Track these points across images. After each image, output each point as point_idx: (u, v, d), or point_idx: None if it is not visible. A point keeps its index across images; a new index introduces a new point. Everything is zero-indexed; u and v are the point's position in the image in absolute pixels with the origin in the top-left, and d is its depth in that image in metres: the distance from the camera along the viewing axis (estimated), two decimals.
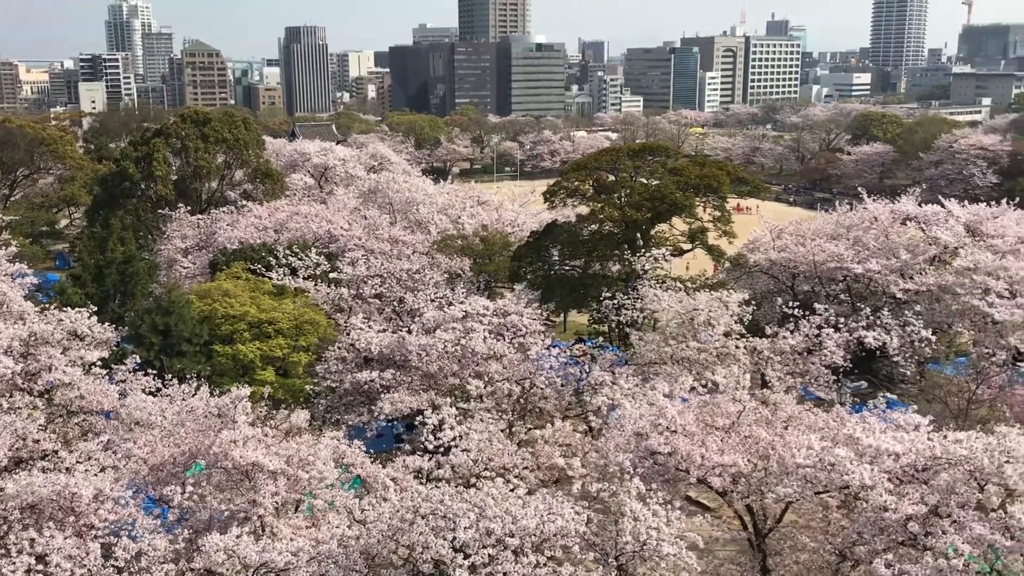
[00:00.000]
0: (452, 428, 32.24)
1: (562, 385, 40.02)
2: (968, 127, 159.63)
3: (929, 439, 22.74)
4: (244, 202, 71.33)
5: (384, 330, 45.15)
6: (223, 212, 68.47)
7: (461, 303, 43.77)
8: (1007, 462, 19.35)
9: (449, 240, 62.84)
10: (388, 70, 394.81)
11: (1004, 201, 59.62)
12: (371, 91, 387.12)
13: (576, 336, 60.87)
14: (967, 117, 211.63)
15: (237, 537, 22.59)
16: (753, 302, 47.97)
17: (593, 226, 57.02)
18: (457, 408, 35.09)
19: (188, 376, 36.76)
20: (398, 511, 22.14)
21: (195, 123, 77.07)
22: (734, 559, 27.88)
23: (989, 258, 50.52)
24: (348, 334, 44.96)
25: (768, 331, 42.08)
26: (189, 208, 71.68)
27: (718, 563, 27.64)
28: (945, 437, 22.23)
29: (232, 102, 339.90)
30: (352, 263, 55.25)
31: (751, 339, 42.21)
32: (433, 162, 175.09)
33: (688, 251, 60.61)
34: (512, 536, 20.37)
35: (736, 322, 43.34)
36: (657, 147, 65.30)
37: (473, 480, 24.66)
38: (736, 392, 27.09)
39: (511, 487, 22.74)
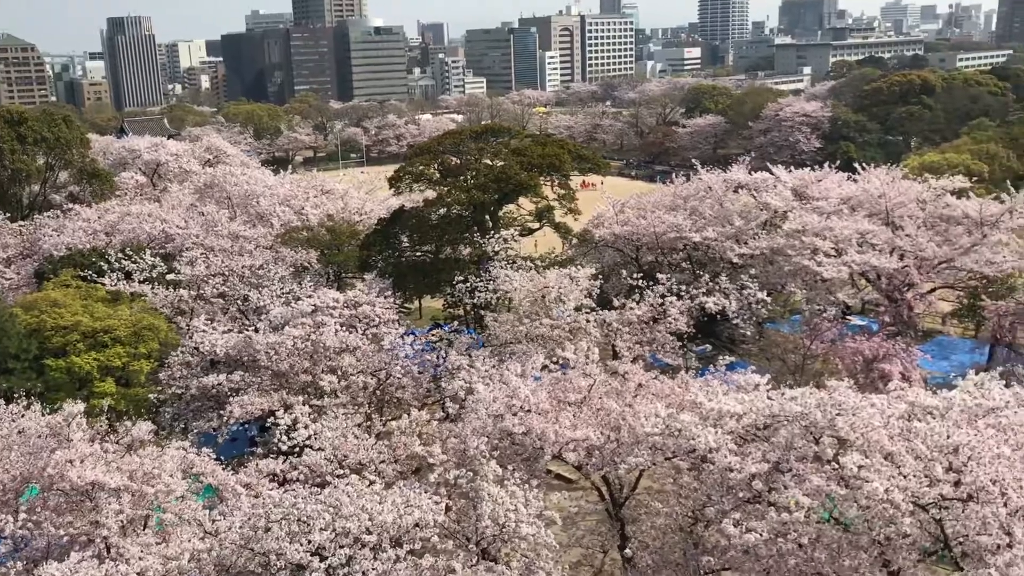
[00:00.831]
0: (306, 427, 31.48)
1: (419, 373, 39.76)
2: (792, 95, 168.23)
3: (769, 398, 23.78)
4: (71, 205, 67.17)
5: (229, 330, 43.50)
6: (47, 217, 64.22)
7: (309, 297, 42.69)
8: (838, 415, 20.43)
9: (293, 232, 61.19)
10: (221, 59, 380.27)
11: (826, 164, 63.05)
12: (205, 82, 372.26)
13: (433, 321, 60.61)
14: (791, 86, 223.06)
15: (77, 563, 21.26)
16: (600, 276, 49.11)
17: (441, 210, 56.74)
18: (311, 406, 34.30)
19: (17, 395, 34.30)
20: (249, 519, 21.37)
21: (9, 123, 71.84)
22: (595, 529, 28.47)
23: (815, 219, 53.36)
24: (191, 337, 43.12)
25: (616, 303, 43.08)
26: (9, 215, 66.92)
27: (581, 534, 28.13)
28: (783, 395, 23.30)
29: (54, 99, 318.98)
30: (191, 263, 52.95)
31: (601, 312, 43.12)
32: (275, 152, 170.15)
33: (536, 230, 61.31)
34: (369, 533, 20.04)
35: (586, 296, 44.20)
36: (499, 128, 65.65)
37: (329, 479, 24.10)
38: (586, 366, 27.55)
39: (368, 482, 22.35)
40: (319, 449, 28.21)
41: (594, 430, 24.87)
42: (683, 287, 44.97)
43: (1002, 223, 54.03)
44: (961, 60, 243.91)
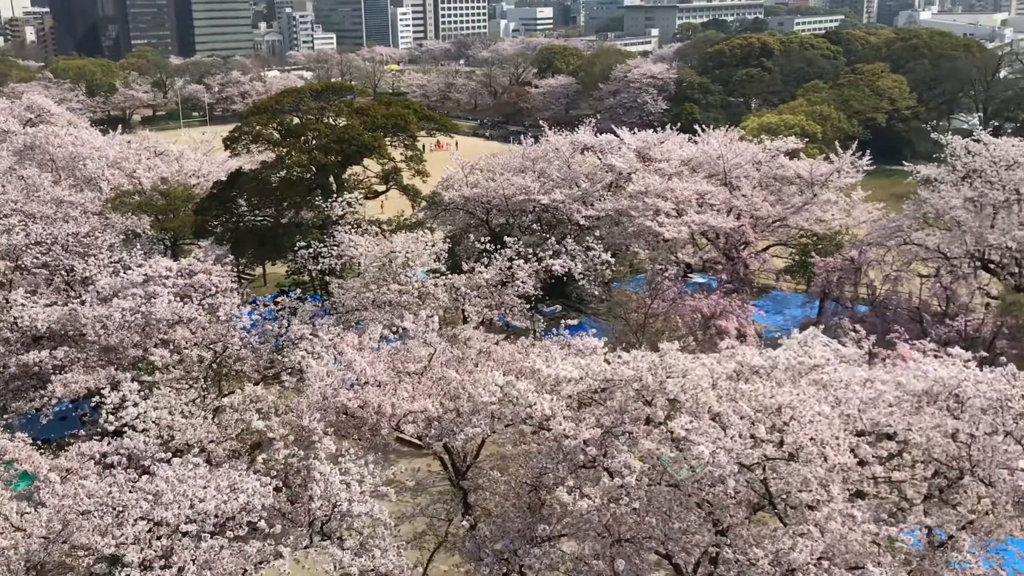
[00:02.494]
0: (135, 405, 29.59)
1: (260, 343, 38.15)
2: (640, 57, 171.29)
3: (606, 361, 23.86)
4: None
5: (53, 303, 40.54)
6: None
7: (140, 266, 40.13)
8: (668, 377, 20.65)
9: (124, 197, 57.54)
10: (48, 10, 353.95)
11: (668, 127, 64.35)
12: (30, 34, 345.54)
13: (278, 289, 58.55)
14: (639, 47, 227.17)
15: None
16: (448, 239, 48.58)
17: (282, 172, 54.54)
18: (140, 382, 32.28)
19: None
20: (59, 511, 19.81)
21: None
22: (440, 497, 28.15)
23: (657, 181, 54.47)
24: (9, 311, 39.93)
25: (466, 267, 42.65)
26: None
27: (428, 502, 27.75)
28: (619, 358, 23.42)
29: None
30: (7, 231, 48.99)
31: (450, 276, 42.59)
32: (110, 111, 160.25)
33: (383, 193, 59.93)
34: (191, 522, 18.92)
35: (435, 260, 43.58)
36: (343, 86, 63.66)
37: (150, 463, 22.63)
38: (427, 335, 26.97)
39: (192, 465, 21.10)
40: (144, 430, 26.54)
41: (433, 400, 24.39)
42: (531, 250, 44.99)
43: (831, 182, 56.69)
44: (798, 24, 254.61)
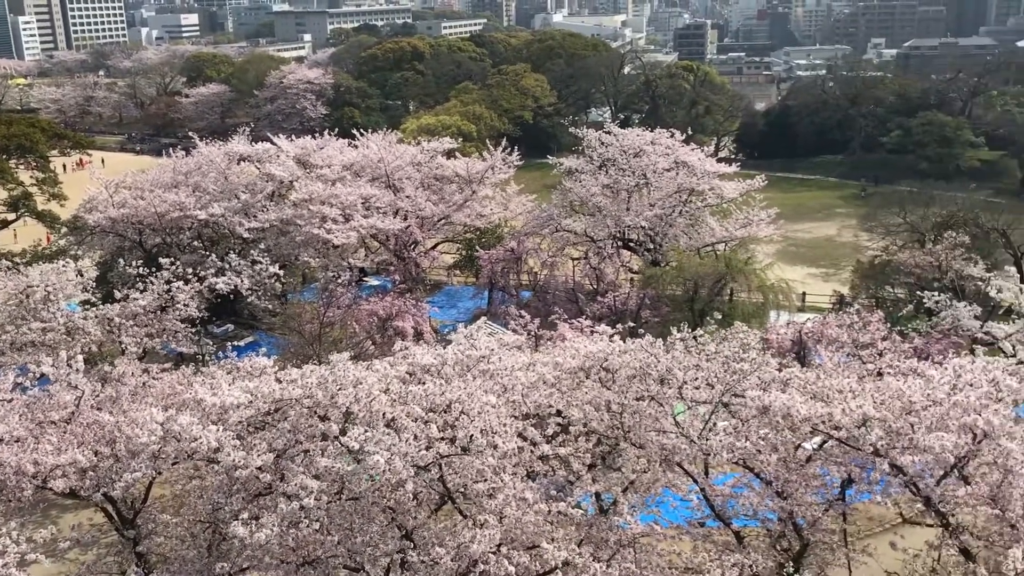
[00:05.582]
0: None
1: None
2: (295, 62, 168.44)
3: (277, 380, 22.94)
4: None
5: None
6: None
7: None
8: (340, 390, 20.27)
9: None
10: None
11: (327, 132, 63.85)
12: None
13: None
14: (293, 53, 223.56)
15: None
16: (98, 266, 44.53)
17: None
18: None
19: None
20: None
21: None
22: (111, 549, 25.66)
23: (321, 188, 53.76)
24: None
25: (119, 295, 39.31)
26: None
27: (95, 558, 25.11)
28: (288, 376, 22.63)
29: None
30: None
31: (102, 307, 39.05)
32: None
33: (13, 221, 53.59)
34: None
35: (83, 291, 39.77)
36: None
37: None
38: (70, 377, 24.33)
39: None
40: None
41: (85, 449, 22.05)
42: (192, 269, 42.43)
43: (487, 179, 59.36)
44: (446, 28, 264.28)
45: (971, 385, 19.47)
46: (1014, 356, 24.05)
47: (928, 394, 19.17)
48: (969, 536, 19.67)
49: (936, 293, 40.74)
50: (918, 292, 43.89)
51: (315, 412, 20.45)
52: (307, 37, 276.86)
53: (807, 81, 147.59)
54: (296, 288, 54.99)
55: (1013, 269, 45.35)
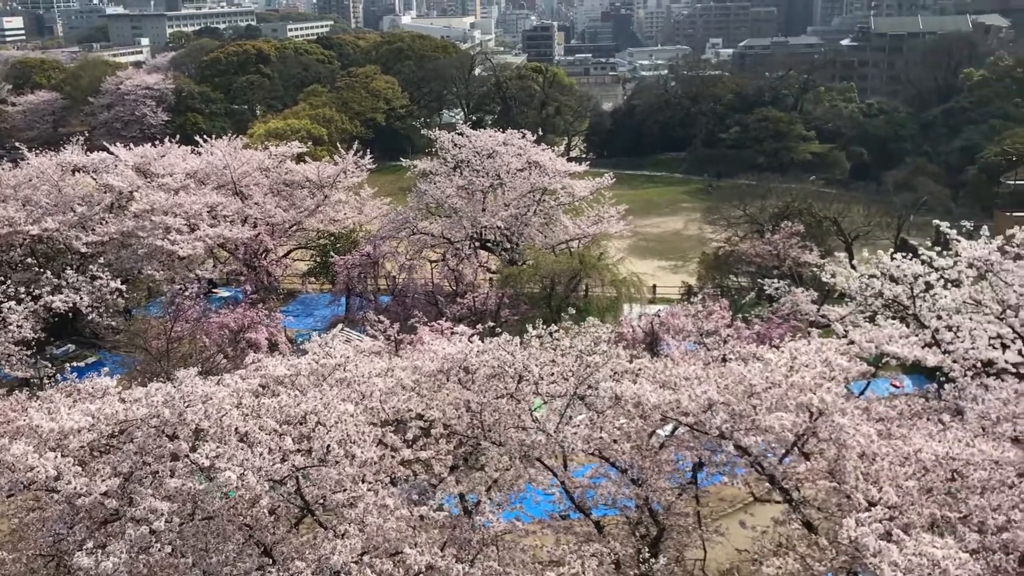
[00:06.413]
0: None
1: None
2: (132, 67, 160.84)
3: (123, 401, 21.89)
4: None
5: None
6: None
7: None
8: (188, 407, 19.53)
9: None
10: None
11: (168, 139, 61.34)
12: None
13: None
14: (130, 58, 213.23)
15: None
16: None
17: None
18: None
19: None
20: None
21: None
22: None
23: (163, 197, 51.58)
24: None
25: None
26: None
27: None
28: (132, 395, 21.64)
29: None
30: None
31: None
32: None
33: None
34: None
35: None
36: None
37: None
38: None
39: None
40: None
41: None
42: (26, 287, 40.00)
43: (339, 183, 58.49)
44: (291, 30, 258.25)
45: (806, 366, 20.65)
46: (845, 337, 25.57)
47: (767, 377, 20.19)
48: (813, 510, 20.83)
49: (776, 280, 43.02)
50: (759, 280, 46.20)
51: (163, 431, 19.62)
52: (145, 41, 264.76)
53: (650, 81, 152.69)
54: (141, 303, 52.69)
55: (844, 255, 48.39)
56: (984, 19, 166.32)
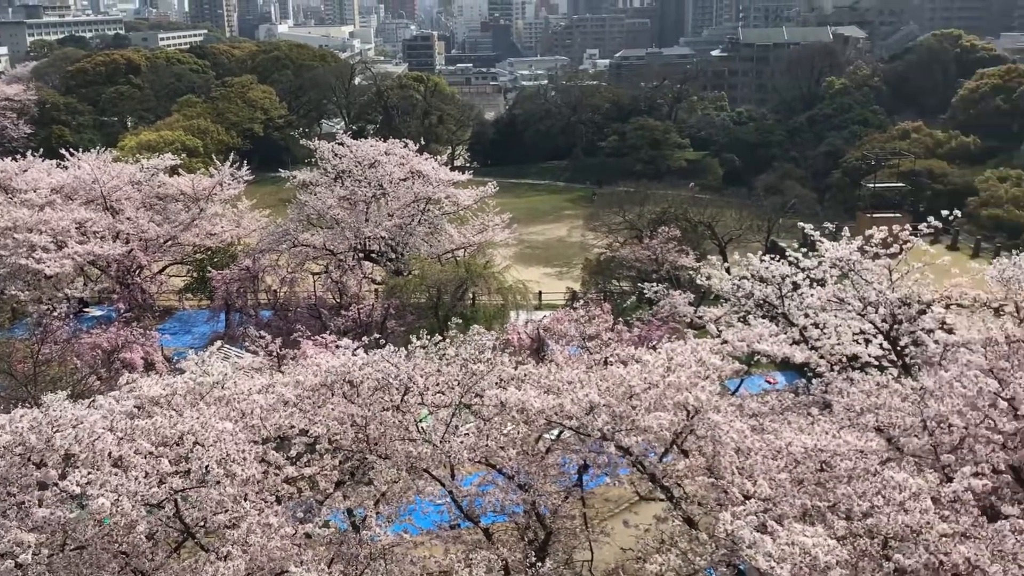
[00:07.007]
0: None
1: None
2: None
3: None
4: None
5: None
6: None
7: None
8: (57, 432, 18.66)
9: None
10: None
11: (31, 153, 58.64)
12: None
13: None
14: None
15: None
16: None
17: None
18: None
19: None
20: None
21: None
22: None
23: (27, 214, 49.31)
24: None
25: None
26: None
27: None
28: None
29: None
30: None
31: None
32: None
33: None
34: None
35: None
36: None
37: None
38: None
39: None
40: None
41: None
42: None
43: (216, 195, 57.02)
44: (163, 40, 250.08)
45: (682, 366, 21.33)
46: (719, 336, 26.54)
47: (645, 377, 20.75)
48: (694, 506, 21.50)
49: (655, 284, 44.20)
50: (639, 284, 47.38)
51: (29, 459, 18.68)
52: (2, 50, 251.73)
53: (531, 91, 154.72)
54: (4, 325, 50.01)
55: (719, 258, 50.17)
56: (843, 30, 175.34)
